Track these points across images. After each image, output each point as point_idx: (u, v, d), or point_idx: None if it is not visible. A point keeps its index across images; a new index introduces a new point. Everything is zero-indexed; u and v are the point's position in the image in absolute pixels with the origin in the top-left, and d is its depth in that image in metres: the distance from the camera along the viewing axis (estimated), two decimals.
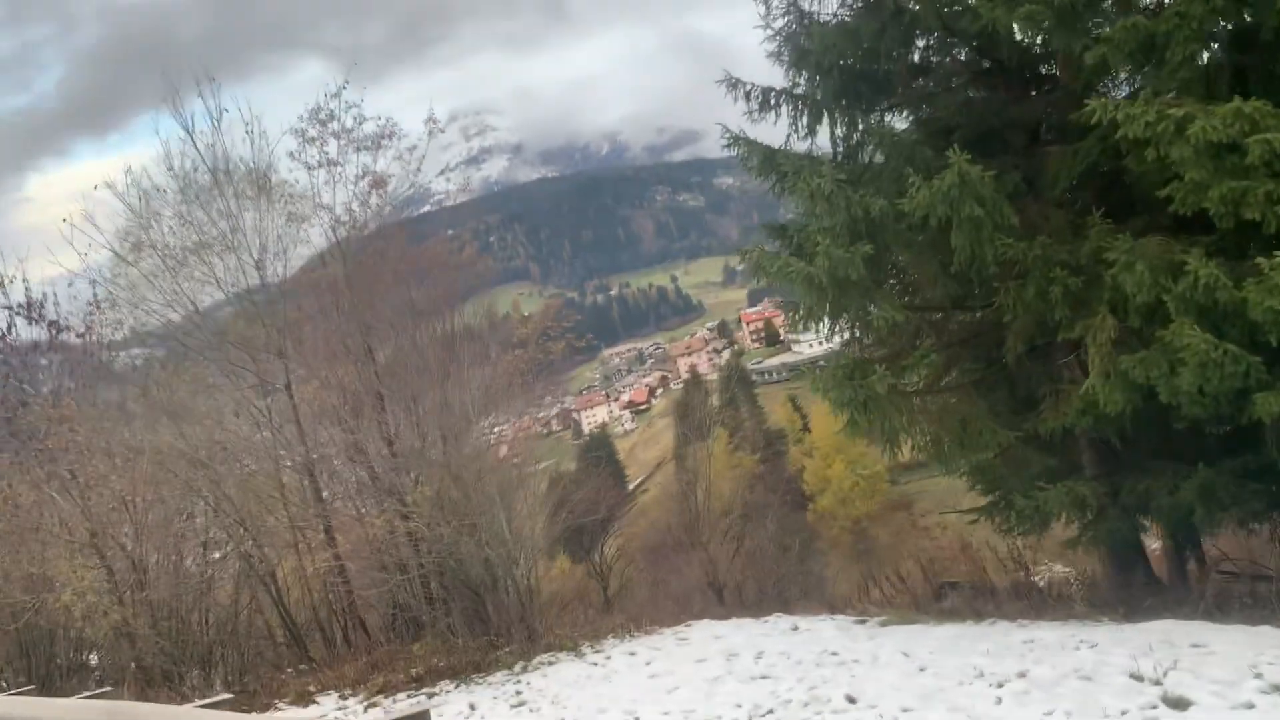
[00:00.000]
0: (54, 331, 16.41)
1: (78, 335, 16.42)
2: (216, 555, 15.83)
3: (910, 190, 9.81)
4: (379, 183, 14.62)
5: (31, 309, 16.45)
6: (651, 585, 24.51)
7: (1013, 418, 11.00)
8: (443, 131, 15.03)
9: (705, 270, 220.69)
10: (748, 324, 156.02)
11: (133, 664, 16.34)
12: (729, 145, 12.54)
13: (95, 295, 15.74)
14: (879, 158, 12.12)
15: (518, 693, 10.43)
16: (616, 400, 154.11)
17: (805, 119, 12.44)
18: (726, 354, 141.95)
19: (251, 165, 14.53)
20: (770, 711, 7.93)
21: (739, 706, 8.22)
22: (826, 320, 11.50)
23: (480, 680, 11.43)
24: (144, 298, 14.42)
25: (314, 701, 12.25)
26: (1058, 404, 10.41)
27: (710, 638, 11.22)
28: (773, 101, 12.56)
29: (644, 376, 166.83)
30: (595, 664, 11.04)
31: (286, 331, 14.32)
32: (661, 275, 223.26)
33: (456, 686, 11.33)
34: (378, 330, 14.48)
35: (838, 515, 72.89)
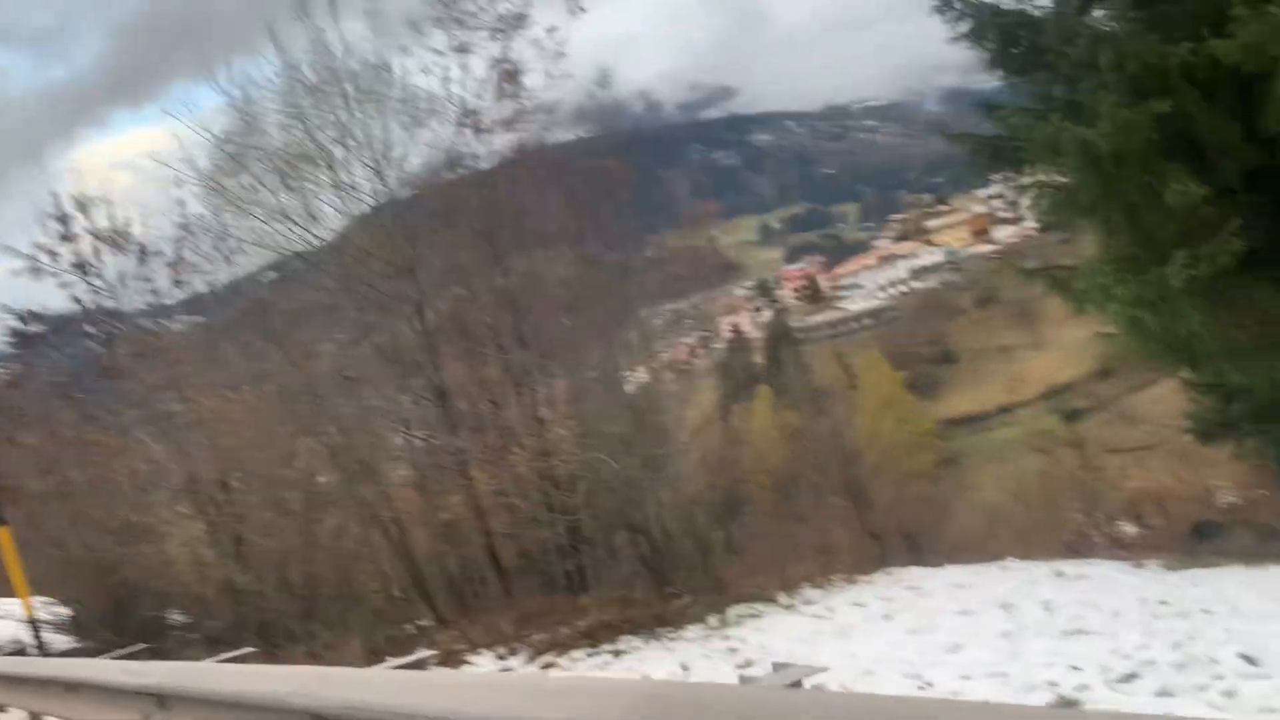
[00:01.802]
0: (142, 258, 14.82)
1: (168, 263, 14.83)
2: (327, 500, 14.23)
3: (1234, 23, 7.88)
4: (512, 74, 12.65)
5: (118, 236, 14.89)
6: (763, 537, 22.94)
7: None
8: (584, 11, 12.87)
9: (741, 230, 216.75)
10: (788, 282, 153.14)
11: (229, 622, 14.93)
12: (939, 8, 10.64)
13: (186, 218, 14.05)
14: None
15: (732, 650, 8.77)
16: (655, 361, 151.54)
17: None
18: (767, 312, 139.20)
19: (367, 59, 12.62)
20: (1132, 676, 6.18)
21: (1076, 669, 6.47)
22: (1085, 210, 9.63)
23: (672, 636, 9.76)
24: (252, 205, 12.55)
25: (465, 662, 10.66)
26: None
27: (949, 586, 9.50)
28: None
29: (683, 336, 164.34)
30: (818, 616, 9.36)
31: (414, 243, 12.44)
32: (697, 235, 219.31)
33: (645, 643, 9.67)
34: (515, 242, 12.60)
35: (886, 471, 71.42)
